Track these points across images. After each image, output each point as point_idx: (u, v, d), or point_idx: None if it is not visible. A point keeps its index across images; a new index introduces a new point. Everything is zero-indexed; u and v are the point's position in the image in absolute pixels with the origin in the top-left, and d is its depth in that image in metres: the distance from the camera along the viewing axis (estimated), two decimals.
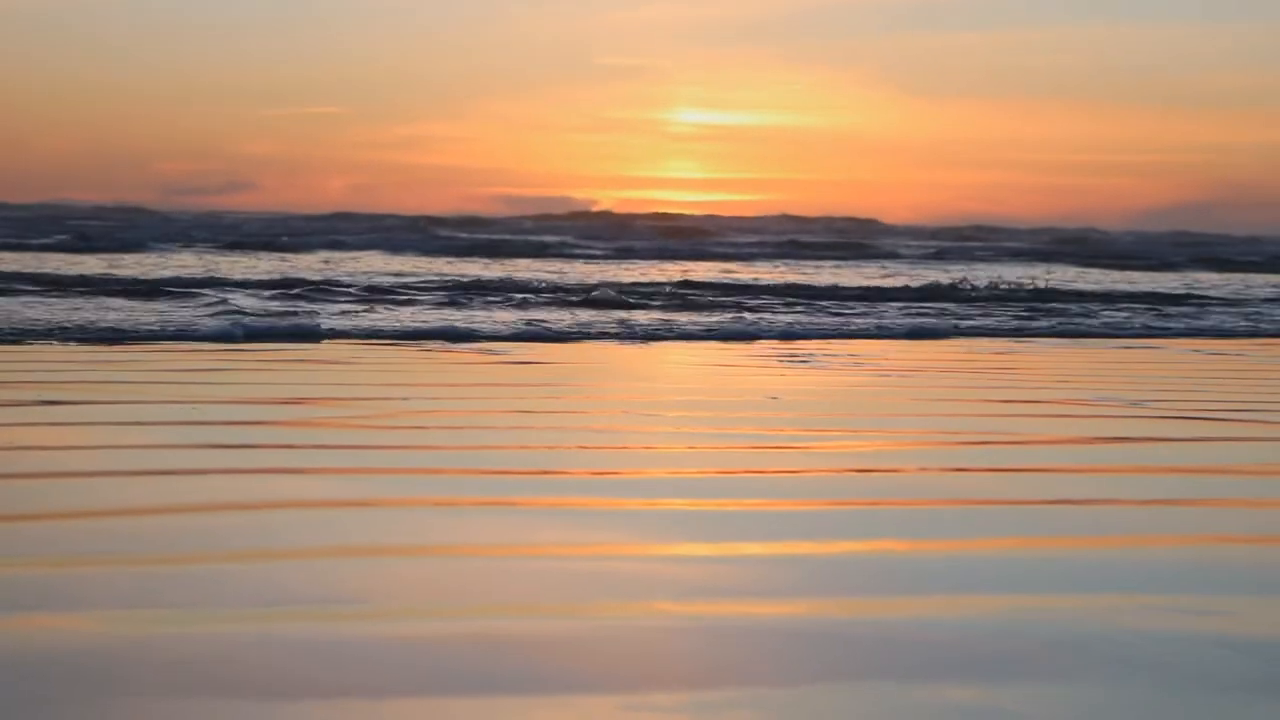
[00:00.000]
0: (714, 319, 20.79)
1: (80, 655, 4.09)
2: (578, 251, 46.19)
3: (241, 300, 21.07)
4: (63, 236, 42.68)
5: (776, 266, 40.57)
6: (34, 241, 39.74)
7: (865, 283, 31.36)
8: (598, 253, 45.88)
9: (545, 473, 7.63)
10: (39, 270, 26.60)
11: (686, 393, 12.49)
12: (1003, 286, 29.20)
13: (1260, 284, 36.34)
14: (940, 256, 50.45)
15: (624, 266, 38.07)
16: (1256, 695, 3.98)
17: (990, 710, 3.79)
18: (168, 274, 27.29)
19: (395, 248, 44.24)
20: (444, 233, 56.95)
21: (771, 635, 4.45)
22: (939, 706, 3.80)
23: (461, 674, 3.98)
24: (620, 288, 26.24)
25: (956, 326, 21.11)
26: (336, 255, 39.07)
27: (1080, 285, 33.11)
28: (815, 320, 21.25)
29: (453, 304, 21.99)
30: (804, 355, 16.10)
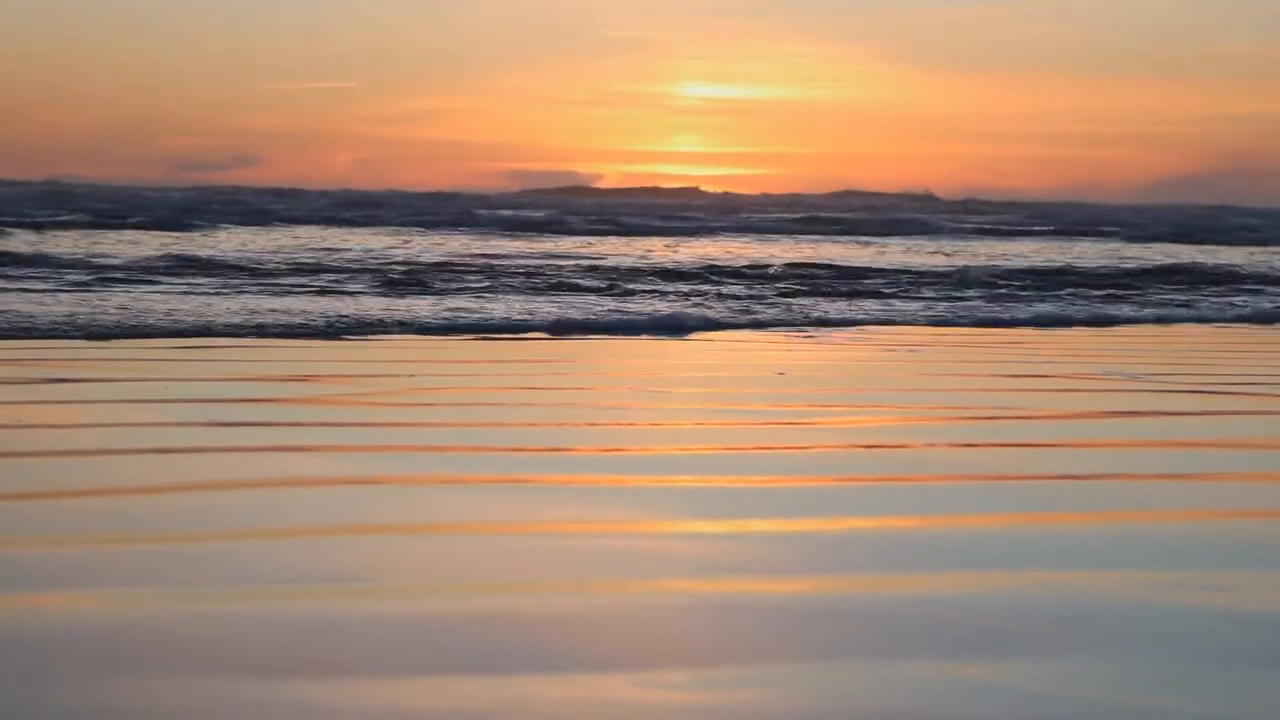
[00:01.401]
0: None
1: (84, 633, 4.08)
2: (649, 228, 45.61)
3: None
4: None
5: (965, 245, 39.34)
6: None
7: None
8: (673, 227, 45.31)
9: (553, 450, 7.62)
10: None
11: (694, 369, 12.47)
12: None
13: None
14: (1054, 233, 49.24)
15: (759, 244, 37.54)
16: (1262, 669, 3.97)
17: (998, 685, 3.78)
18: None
19: (483, 228, 43.32)
20: (483, 211, 56.22)
21: (779, 612, 4.44)
22: (947, 682, 3.80)
23: (471, 652, 3.97)
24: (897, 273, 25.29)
25: None
26: (459, 236, 38.11)
27: None
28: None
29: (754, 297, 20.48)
30: (810, 330, 16.09)
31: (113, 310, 15.67)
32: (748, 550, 5.32)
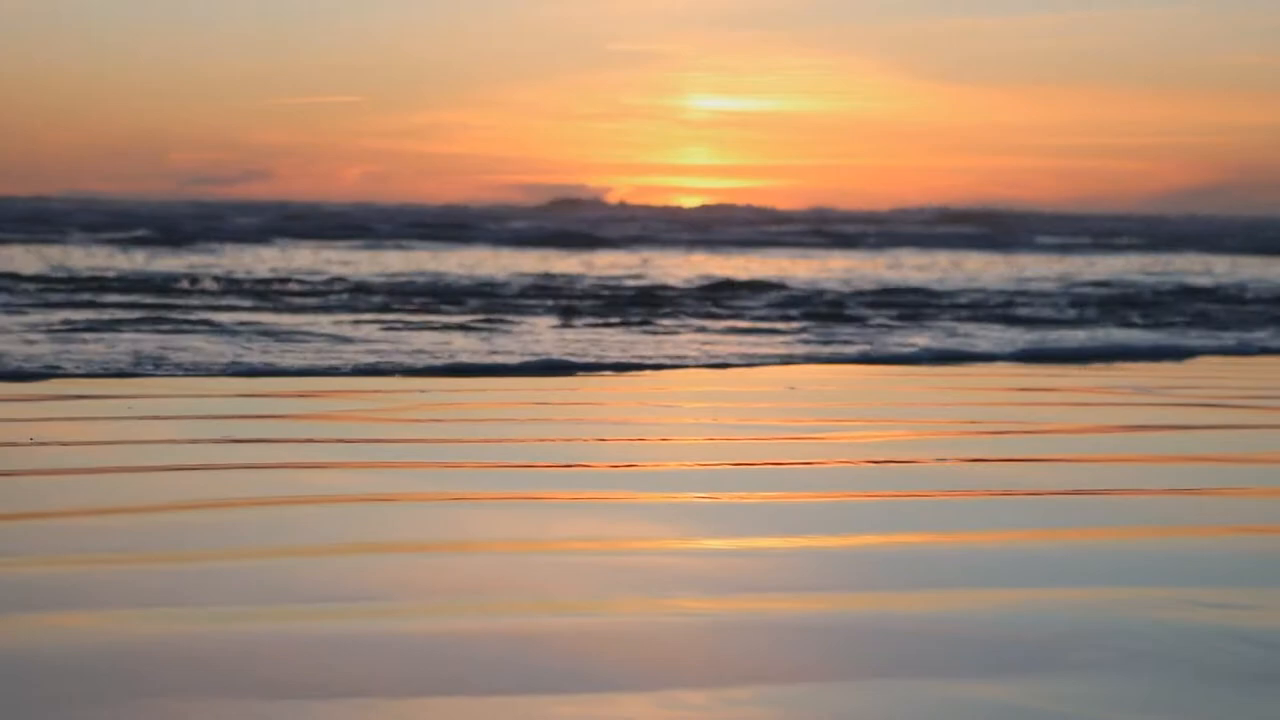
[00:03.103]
0: None
1: (98, 655, 4.08)
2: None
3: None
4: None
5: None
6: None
7: None
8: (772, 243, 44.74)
9: (564, 466, 7.63)
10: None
11: (704, 382, 12.47)
12: None
13: None
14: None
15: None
16: (1276, 688, 3.97)
17: (1008, 704, 3.79)
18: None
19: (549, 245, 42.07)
20: (521, 225, 55.50)
21: (794, 631, 4.45)
22: (958, 701, 3.80)
23: (486, 671, 3.97)
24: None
25: None
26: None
27: None
28: None
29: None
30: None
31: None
32: (760, 567, 5.33)
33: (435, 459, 7.80)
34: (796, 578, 5.17)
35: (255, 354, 12.98)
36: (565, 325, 16.93)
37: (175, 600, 4.72)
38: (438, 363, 12.69)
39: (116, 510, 6.22)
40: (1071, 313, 20.70)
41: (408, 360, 12.79)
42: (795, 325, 17.65)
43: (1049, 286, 26.59)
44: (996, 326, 18.12)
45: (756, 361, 13.67)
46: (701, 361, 13.55)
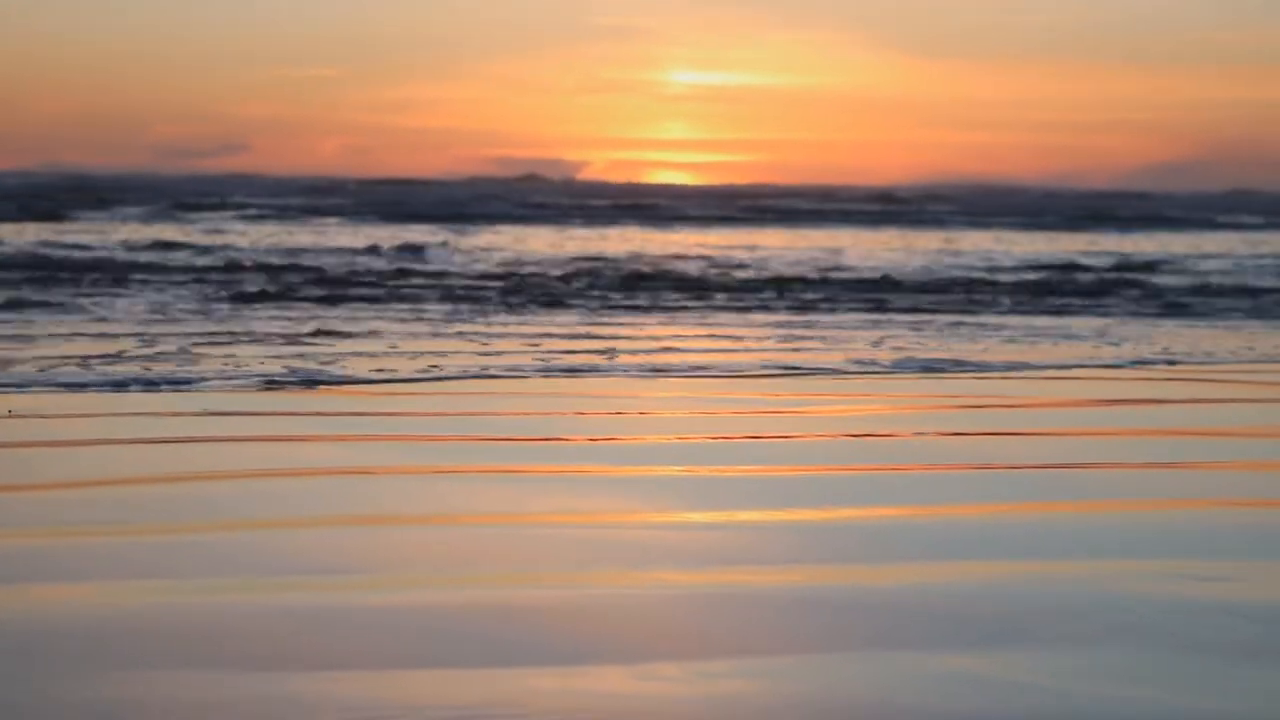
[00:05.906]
0: None
1: (80, 627, 4.07)
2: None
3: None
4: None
5: None
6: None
7: None
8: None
9: (543, 440, 7.61)
10: None
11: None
12: None
13: None
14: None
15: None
16: (1261, 661, 3.97)
17: (990, 677, 3.78)
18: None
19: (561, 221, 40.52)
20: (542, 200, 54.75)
21: (770, 603, 4.45)
22: (938, 673, 3.80)
23: (465, 644, 3.96)
24: None
25: None
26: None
27: None
28: None
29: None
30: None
31: None
32: (738, 540, 5.32)
33: (413, 432, 7.78)
34: (775, 551, 5.16)
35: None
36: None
37: (153, 573, 4.71)
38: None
39: (92, 483, 6.21)
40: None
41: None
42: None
43: None
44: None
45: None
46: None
